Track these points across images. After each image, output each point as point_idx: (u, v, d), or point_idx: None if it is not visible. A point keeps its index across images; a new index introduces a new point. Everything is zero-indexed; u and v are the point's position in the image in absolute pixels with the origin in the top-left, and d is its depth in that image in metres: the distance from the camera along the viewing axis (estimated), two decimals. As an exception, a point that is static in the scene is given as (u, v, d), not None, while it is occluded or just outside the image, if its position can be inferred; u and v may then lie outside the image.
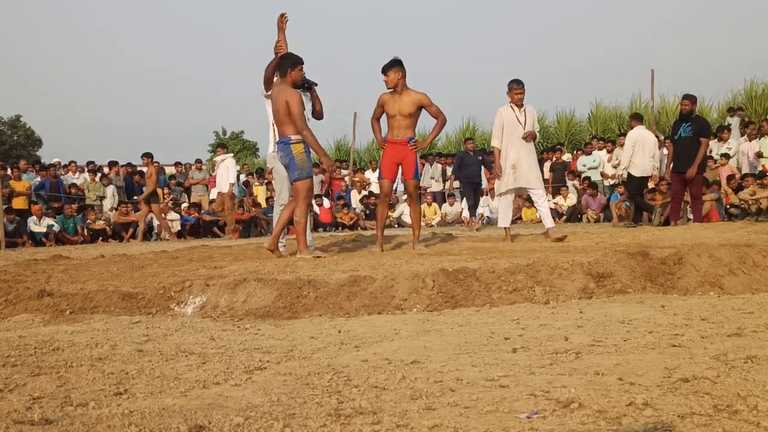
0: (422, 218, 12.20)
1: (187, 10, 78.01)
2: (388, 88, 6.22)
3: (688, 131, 8.95)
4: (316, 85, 6.13)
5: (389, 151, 6.33)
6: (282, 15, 6.02)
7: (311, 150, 5.66)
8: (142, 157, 13.40)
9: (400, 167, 6.38)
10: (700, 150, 8.82)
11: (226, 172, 12.58)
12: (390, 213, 14.43)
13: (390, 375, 2.27)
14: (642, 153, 9.85)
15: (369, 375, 2.29)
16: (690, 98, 9.13)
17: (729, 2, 58.48)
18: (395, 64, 6.16)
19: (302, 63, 5.75)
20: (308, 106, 6.15)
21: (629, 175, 10.19)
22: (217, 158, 13.13)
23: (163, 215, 13.31)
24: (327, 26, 73.29)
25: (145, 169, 13.93)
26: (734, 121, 15.88)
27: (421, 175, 8.49)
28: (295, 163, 5.58)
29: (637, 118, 10.61)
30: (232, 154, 13.79)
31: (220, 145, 13.92)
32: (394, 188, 7.92)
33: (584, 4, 69.76)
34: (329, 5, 77.16)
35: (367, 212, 14.78)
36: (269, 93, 5.94)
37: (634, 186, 10.05)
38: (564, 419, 1.76)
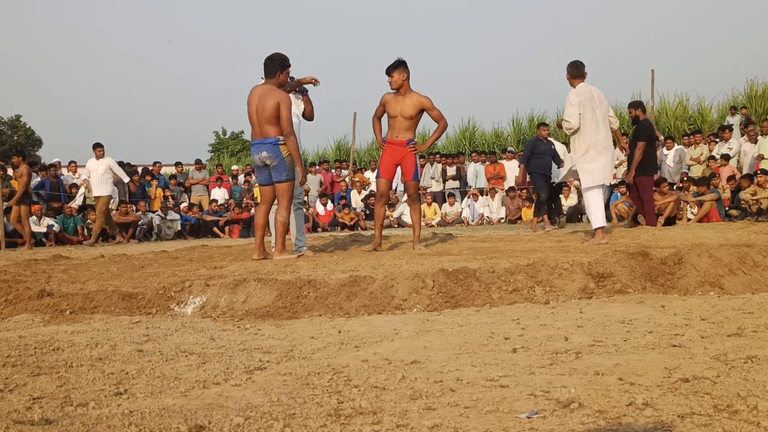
0: (422, 218, 12.18)
1: (187, 10, 78.02)
2: (392, 89, 6.20)
3: (630, 136, 9.00)
4: (307, 90, 6.26)
5: (388, 151, 6.32)
6: (315, 79, 6.15)
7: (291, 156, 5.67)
8: (13, 156, 12.45)
9: (398, 168, 6.38)
10: (635, 153, 8.62)
11: (108, 173, 11.92)
12: (390, 213, 14.42)
13: (390, 375, 2.27)
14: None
15: (369, 375, 2.29)
16: (633, 105, 9.12)
17: (729, 2, 58.52)
18: (400, 65, 6.13)
19: (290, 66, 5.82)
20: (300, 108, 6.21)
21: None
22: (98, 161, 11.95)
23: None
24: (327, 26, 73.33)
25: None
26: (735, 120, 15.88)
27: (421, 175, 8.46)
28: (284, 164, 5.59)
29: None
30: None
31: (97, 145, 11.93)
32: (393, 188, 7.88)
33: (584, 4, 69.78)
34: (329, 5, 77.16)
35: (368, 212, 14.79)
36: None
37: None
38: (564, 419, 1.76)
